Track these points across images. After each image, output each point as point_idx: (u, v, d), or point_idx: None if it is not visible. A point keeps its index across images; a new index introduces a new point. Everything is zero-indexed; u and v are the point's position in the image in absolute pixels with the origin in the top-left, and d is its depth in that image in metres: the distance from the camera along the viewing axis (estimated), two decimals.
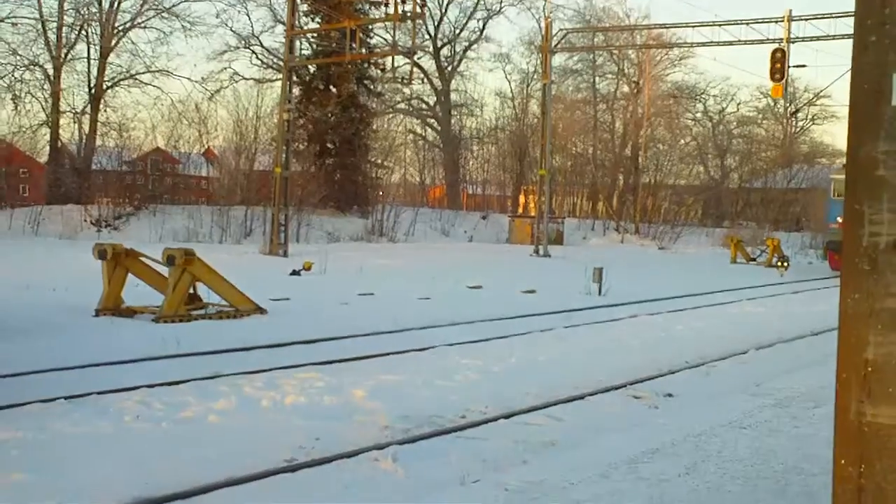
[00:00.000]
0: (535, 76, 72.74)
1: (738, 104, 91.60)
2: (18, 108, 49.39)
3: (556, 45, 48.45)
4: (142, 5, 54.26)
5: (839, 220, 36.98)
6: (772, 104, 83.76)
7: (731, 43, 41.97)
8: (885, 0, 3.71)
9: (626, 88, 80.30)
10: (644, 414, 11.14)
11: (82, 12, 52.94)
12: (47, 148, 54.40)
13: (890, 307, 3.61)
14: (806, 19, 38.84)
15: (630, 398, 12.16)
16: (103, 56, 53.13)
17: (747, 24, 40.97)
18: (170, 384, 11.64)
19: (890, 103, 3.69)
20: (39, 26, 50.97)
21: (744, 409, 10.51)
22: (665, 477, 7.57)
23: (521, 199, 75.81)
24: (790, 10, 38.42)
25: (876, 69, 3.73)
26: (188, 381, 11.90)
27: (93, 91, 52.97)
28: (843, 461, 3.72)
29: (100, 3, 53.23)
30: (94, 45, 53.66)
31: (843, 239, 3.86)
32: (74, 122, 54.18)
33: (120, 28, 53.96)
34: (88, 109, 53.10)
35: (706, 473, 7.70)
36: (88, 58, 53.68)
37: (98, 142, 53.85)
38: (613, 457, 8.21)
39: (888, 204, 3.66)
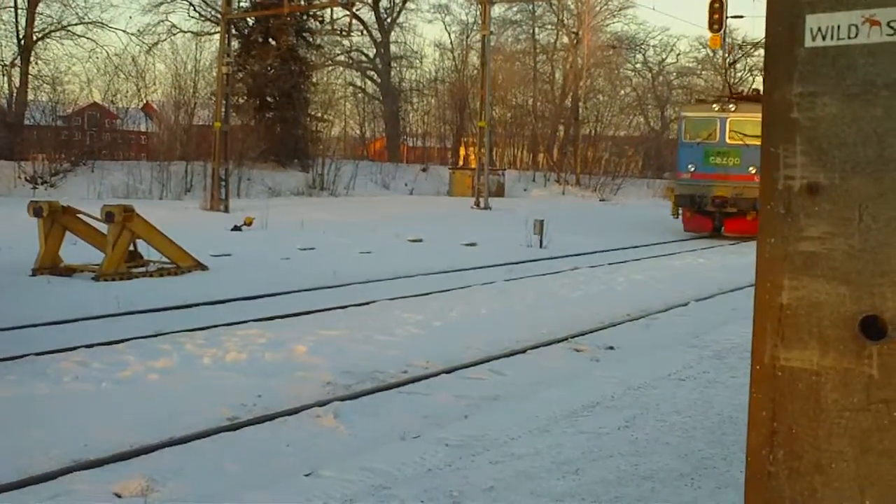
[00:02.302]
0: (475, 27, 72.21)
1: (678, 55, 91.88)
2: None
3: None
4: None
5: (691, 168, 33.53)
6: (711, 55, 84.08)
7: None
8: None
9: (565, 39, 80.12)
10: (585, 367, 11.22)
11: None
12: None
13: (803, 250, 3.65)
14: None
15: (571, 351, 12.24)
16: (31, 5, 51.73)
17: None
18: (109, 343, 11.55)
19: (803, 45, 3.70)
20: None
21: (683, 361, 10.63)
22: (605, 430, 7.64)
23: (462, 151, 75.60)
24: None
25: (789, 11, 3.73)
26: (128, 339, 11.83)
27: (22, 42, 51.64)
28: (757, 405, 3.77)
29: None
30: None
31: (761, 183, 3.86)
32: (3, 75, 52.91)
33: None
34: (18, 62, 51.84)
35: (645, 426, 7.78)
36: (16, 7, 52.12)
37: (30, 95, 52.61)
38: (554, 410, 8.28)
39: (801, 146, 3.68)
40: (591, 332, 13.62)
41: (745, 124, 31.70)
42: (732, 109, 32.54)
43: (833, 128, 3.60)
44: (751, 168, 30.27)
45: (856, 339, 3.50)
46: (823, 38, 3.64)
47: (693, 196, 32.79)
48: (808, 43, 3.67)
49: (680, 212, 34.02)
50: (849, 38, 3.60)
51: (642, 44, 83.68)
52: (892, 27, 3.50)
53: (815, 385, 3.58)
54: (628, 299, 16.99)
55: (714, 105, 34.00)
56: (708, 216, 32.91)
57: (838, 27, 3.62)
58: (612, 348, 12.42)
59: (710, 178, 32.60)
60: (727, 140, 32.39)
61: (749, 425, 3.77)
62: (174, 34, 59.18)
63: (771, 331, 3.70)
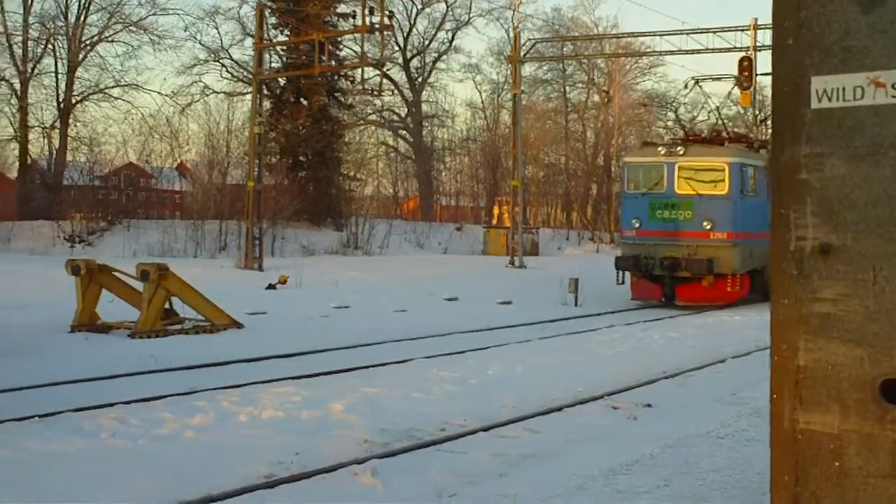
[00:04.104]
0: (506, 86, 72.62)
1: (709, 112, 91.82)
2: None
3: (525, 55, 48.48)
4: (109, 19, 54.30)
5: (636, 224, 27.99)
6: (742, 112, 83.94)
7: (698, 51, 41.96)
8: (800, 3, 3.75)
9: (596, 97, 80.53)
10: (622, 425, 11.14)
11: (48, 26, 52.81)
12: (17, 163, 54.21)
13: (817, 312, 3.62)
14: (771, 28, 38.79)
15: (608, 409, 12.15)
16: (71, 70, 52.96)
17: (714, 32, 41.09)
18: (146, 400, 11.60)
19: (809, 106, 3.71)
20: (4, 40, 50.71)
21: (721, 419, 10.55)
22: (643, 489, 7.58)
23: (496, 210, 75.76)
24: (756, 19, 38.52)
25: (794, 72, 3.76)
26: (165, 396, 11.87)
27: (62, 105, 52.80)
28: (778, 469, 3.72)
29: (66, 17, 53.19)
30: (62, 59, 53.64)
31: (771, 243, 3.84)
32: (44, 137, 54.14)
33: (87, 42, 53.93)
34: (58, 124, 52.94)
35: (684, 485, 7.72)
36: (56, 72, 53.61)
37: (69, 157, 53.72)
38: (591, 469, 8.23)
39: (812, 207, 3.67)
40: (628, 389, 13.53)
41: (698, 171, 26.99)
42: (681, 153, 27.27)
43: (843, 188, 3.60)
44: (705, 223, 26.36)
45: (877, 402, 3.47)
46: (829, 99, 3.67)
47: (638, 257, 27.25)
48: (815, 104, 3.69)
49: (626, 277, 28.51)
50: (854, 99, 3.62)
51: (673, 101, 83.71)
52: None
53: (838, 450, 3.54)
54: (664, 356, 16.89)
55: (660, 149, 28.39)
56: (656, 281, 27.46)
57: (844, 89, 3.64)
58: (649, 406, 12.31)
59: (658, 235, 27.33)
60: (676, 190, 27.10)
61: (771, 490, 3.73)
62: (207, 95, 60.11)
63: (789, 393, 3.68)
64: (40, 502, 7.71)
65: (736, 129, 44.24)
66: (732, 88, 34.86)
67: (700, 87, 32.95)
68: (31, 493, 7.93)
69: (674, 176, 27.07)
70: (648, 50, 55.92)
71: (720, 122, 34.15)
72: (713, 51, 41.41)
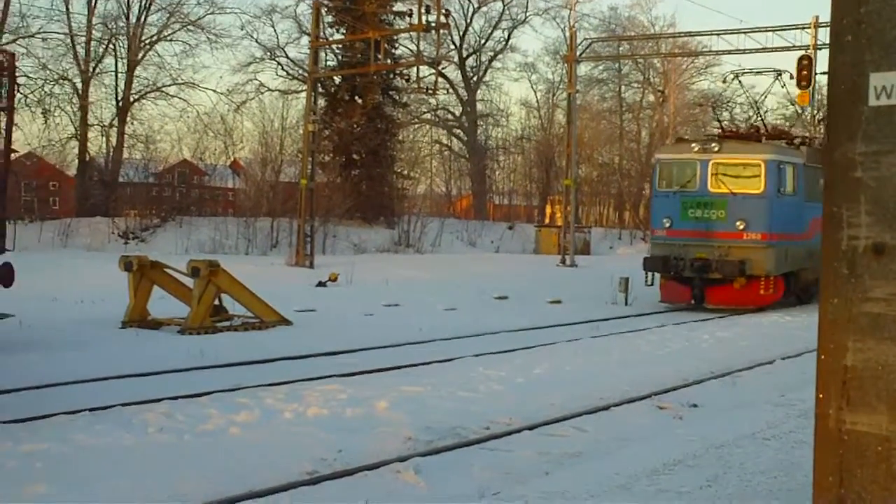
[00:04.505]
0: (561, 86, 72.67)
1: (766, 112, 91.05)
2: (48, 121, 49.77)
3: (581, 55, 48.30)
4: (168, 18, 55.15)
5: (666, 223, 26.63)
6: (799, 111, 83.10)
7: (757, 50, 41.44)
8: None
9: (651, 97, 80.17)
10: (668, 425, 11.04)
11: (110, 26, 53.80)
12: (76, 161, 55.03)
13: (868, 312, 3.54)
14: (829, 24, 38.11)
15: (655, 408, 12.07)
16: (130, 69, 53.87)
17: (774, 31, 40.52)
18: (193, 396, 11.68)
19: (867, 103, 3.61)
20: (69, 41, 51.75)
21: (768, 420, 10.42)
22: (686, 489, 7.50)
23: (548, 209, 75.73)
24: (817, 17, 37.85)
25: (852, 69, 3.66)
26: (211, 392, 11.93)
27: (120, 104, 53.64)
28: (822, 470, 3.65)
29: (127, 17, 54.08)
30: (122, 58, 54.54)
31: (822, 242, 3.74)
32: (102, 135, 55.02)
33: (147, 41, 54.79)
34: (116, 122, 53.79)
35: (728, 486, 7.63)
36: (116, 71, 54.52)
37: (125, 154, 54.53)
38: (635, 468, 8.16)
39: (866, 206, 3.58)
40: (675, 389, 13.44)
41: (732, 168, 25.75)
42: (715, 150, 25.94)
43: None
44: (738, 223, 25.17)
45: None
46: (888, 96, 3.56)
47: (667, 258, 26.00)
48: (873, 101, 3.59)
49: (654, 278, 27.11)
50: None
51: (729, 101, 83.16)
52: None
53: (886, 452, 3.46)
54: (713, 356, 16.76)
55: (694, 145, 26.80)
56: (686, 283, 26.18)
57: None
58: (695, 406, 12.21)
59: (689, 235, 26.03)
60: (710, 188, 25.82)
61: (814, 491, 3.66)
62: (262, 93, 60.71)
63: (835, 393, 3.60)
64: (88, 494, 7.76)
65: (793, 128, 43.14)
66: (772, 83, 33.94)
67: (740, 81, 31.77)
68: (80, 484, 8.00)
69: (707, 173, 25.83)
70: (705, 49, 55.40)
71: (759, 117, 32.97)
72: (772, 49, 40.79)
